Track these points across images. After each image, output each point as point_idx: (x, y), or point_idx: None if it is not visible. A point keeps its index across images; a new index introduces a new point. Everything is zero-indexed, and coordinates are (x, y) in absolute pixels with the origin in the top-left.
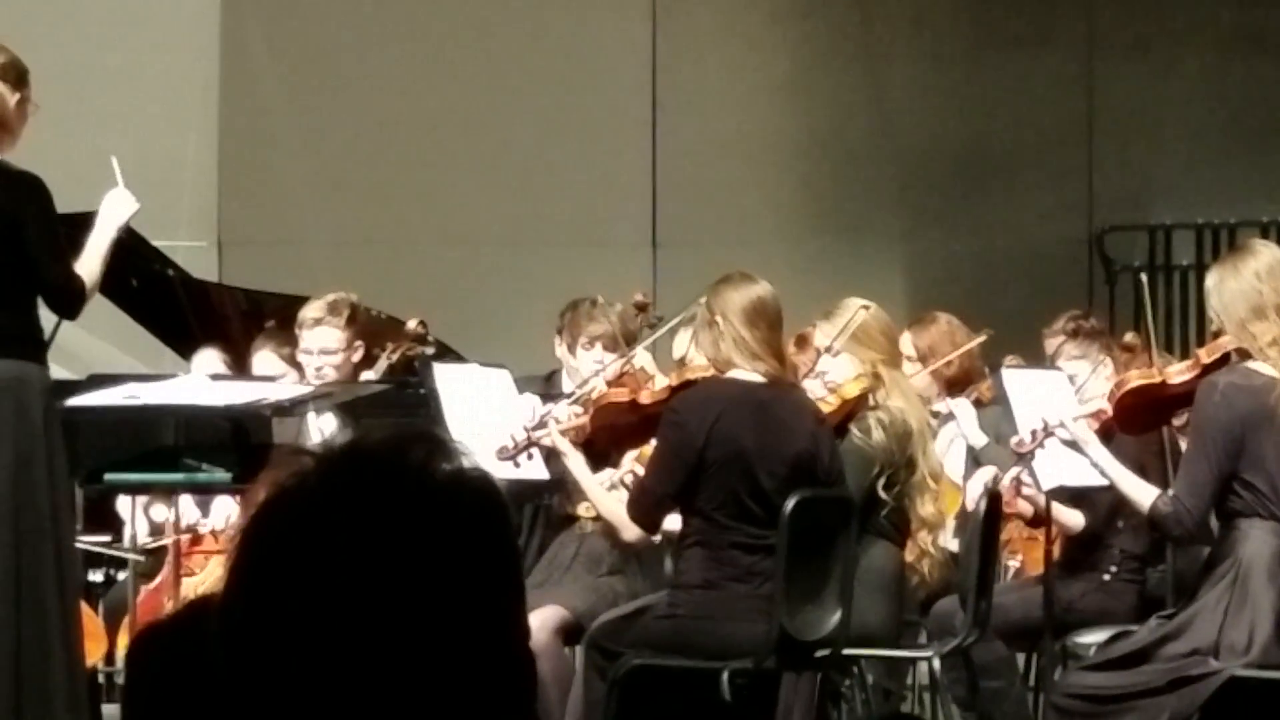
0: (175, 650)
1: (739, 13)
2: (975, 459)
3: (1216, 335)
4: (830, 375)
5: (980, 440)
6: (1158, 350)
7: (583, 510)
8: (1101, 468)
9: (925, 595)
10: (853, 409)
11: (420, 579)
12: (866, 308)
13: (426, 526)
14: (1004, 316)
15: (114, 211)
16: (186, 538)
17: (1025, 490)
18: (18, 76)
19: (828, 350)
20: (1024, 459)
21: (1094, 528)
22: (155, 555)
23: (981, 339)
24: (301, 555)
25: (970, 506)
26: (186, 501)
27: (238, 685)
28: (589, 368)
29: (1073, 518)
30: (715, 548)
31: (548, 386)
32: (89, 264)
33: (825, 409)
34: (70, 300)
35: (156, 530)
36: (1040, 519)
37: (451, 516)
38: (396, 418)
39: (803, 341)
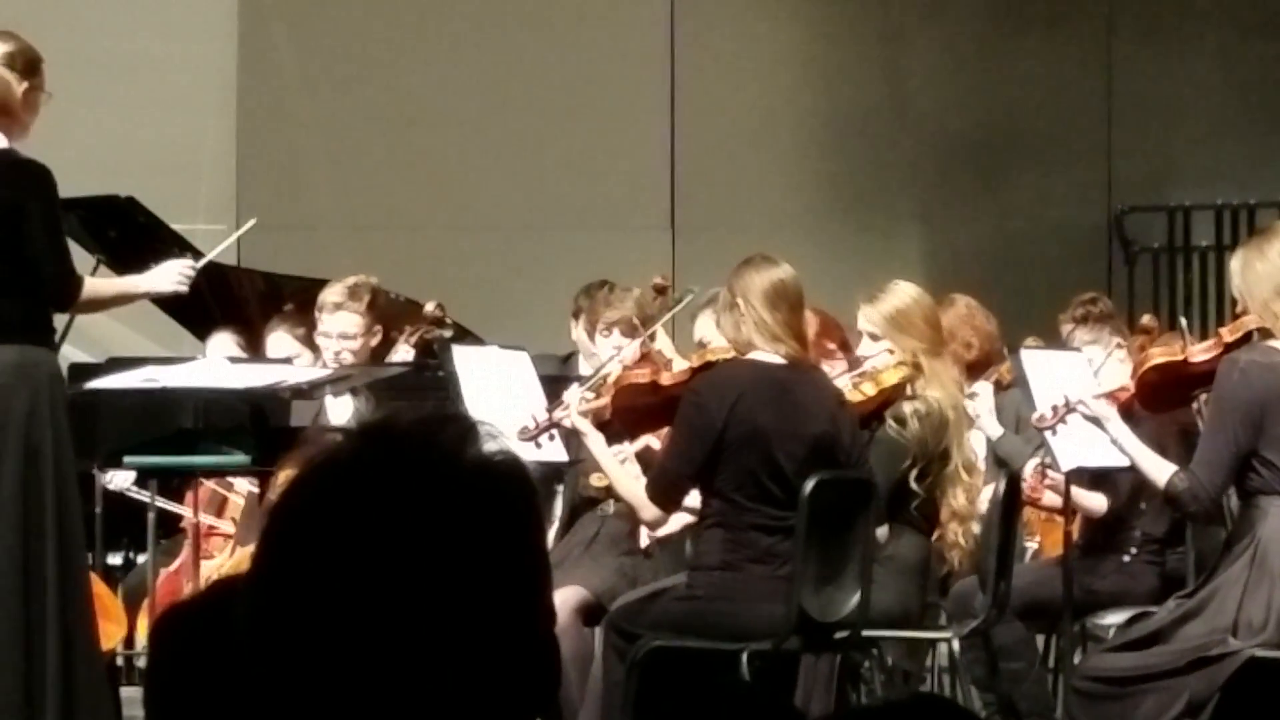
0: (198, 632)
1: None
2: (992, 450)
3: (1239, 315)
4: (871, 361)
5: (996, 431)
6: (1189, 336)
7: (594, 481)
8: (1120, 444)
9: (945, 576)
10: (890, 397)
11: (448, 560)
12: (910, 292)
13: (456, 508)
14: (1024, 298)
15: (158, 277)
16: (206, 521)
17: (1049, 481)
18: (26, 64)
19: (869, 335)
20: (1045, 435)
21: (1116, 509)
22: (174, 538)
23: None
24: (330, 533)
25: (982, 510)
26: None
27: (261, 663)
28: (607, 353)
29: (1095, 501)
30: (734, 529)
31: (565, 369)
32: (102, 286)
33: (862, 397)
34: (62, 296)
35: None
36: (1060, 511)
37: (481, 499)
38: (416, 400)
39: (826, 330)
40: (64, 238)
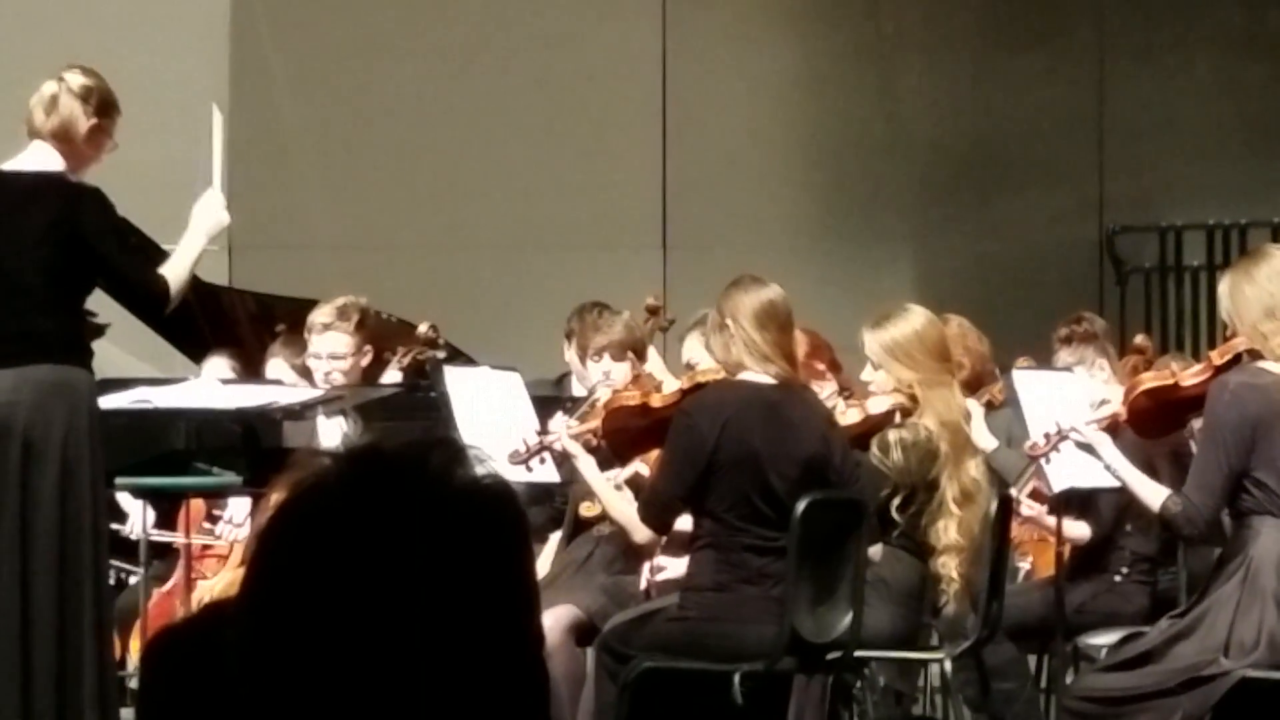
0: (191, 654)
1: (748, 15)
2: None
3: (1230, 338)
4: (874, 385)
5: (991, 443)
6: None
7: (584, 509)
8: (1114, 470)
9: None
10: (876, 424)
11: (436, 584)
12: (917, 320)
13: (444, 532)
14: (1015, 318)
15: (206, 217)
16: (198, 542)
17: (1032, 511)
18: (101, 103)
19: (870, 363)
20: (1037, 462)
21: (1100, 534)
22: (167, 559)
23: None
24: (318, 557)
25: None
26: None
27: (251, 687)
28: (597, 377)
29: (1078, 530)
30: (726, 550)
31: (558, 390)
32: (176, 266)
33: (847, 420)
34: (156, 302)
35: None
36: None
37: (469, 523)
38: (408, 421)
39: (816, 350)
40: (133, 251)
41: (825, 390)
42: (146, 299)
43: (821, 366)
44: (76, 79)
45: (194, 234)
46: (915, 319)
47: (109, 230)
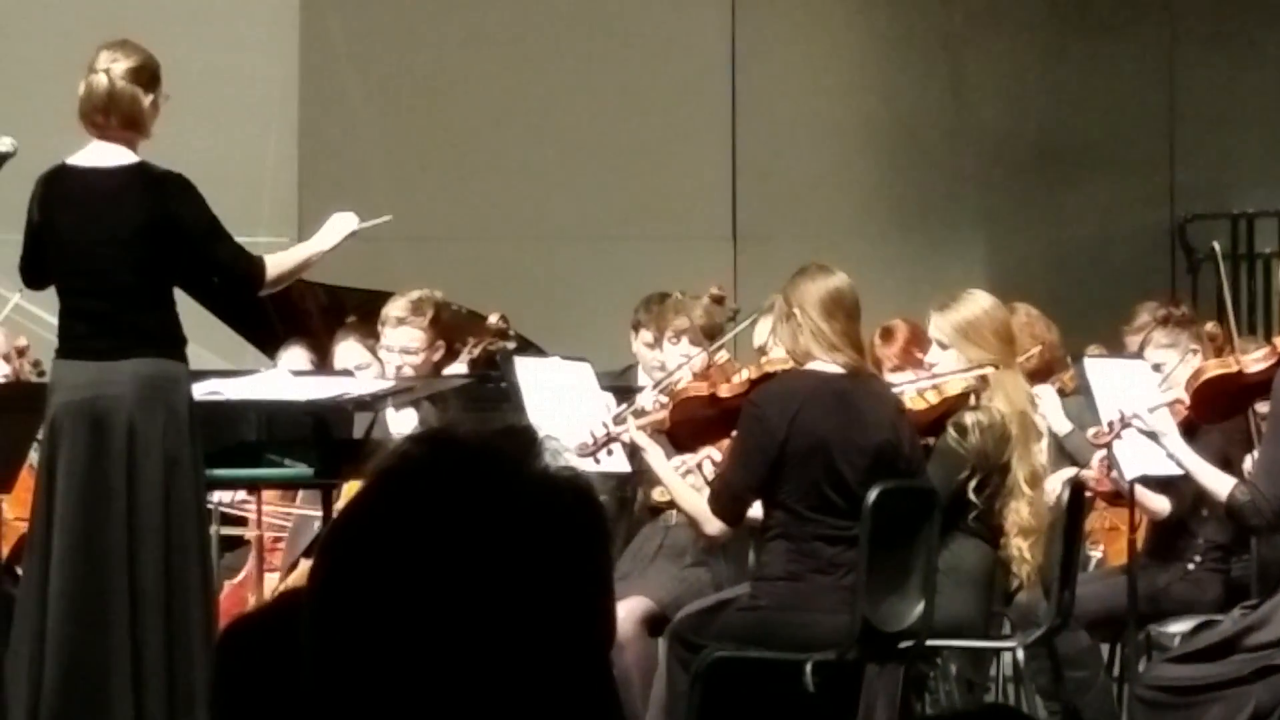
0: (264, 643)
1: (817, 3)
2: (1059, 446)
3: None
4: (940, 368)
5: (1065, 427)
6: (1238, 335)
7: (656, 495)
8: (1178, 459)
9: (1014, 590)
10: (952, 406)
11: (511, 575)
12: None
13: (520, 523)
14: (1085, 306)
15: (335, 227)
16: (269, 534)
17: (1114, 474)
18: (151, 77)
19: (938, 344)
20: (1102, 450)
21: (1179, 514)
22: (238, 551)
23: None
24: (391, 544)
25: (1050, 501)
26: None
27: (323, 674)
28: (674, 360)
29: (1159, 503)
30: (798, 539)
31: (623, 381)
32: (284, 255)
33: (924, 405)
34: (249, 280)
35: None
36: (1123, 497)
37: (545, 514)
38: (479, 412)
39: (888, 334)
40: (225, 231)
41: (922, 378)
42: (243, 281)
43: (921, 355)
44: (119, 64)
45: (320, 237)
46: (982, 299)
47: (200, 216)
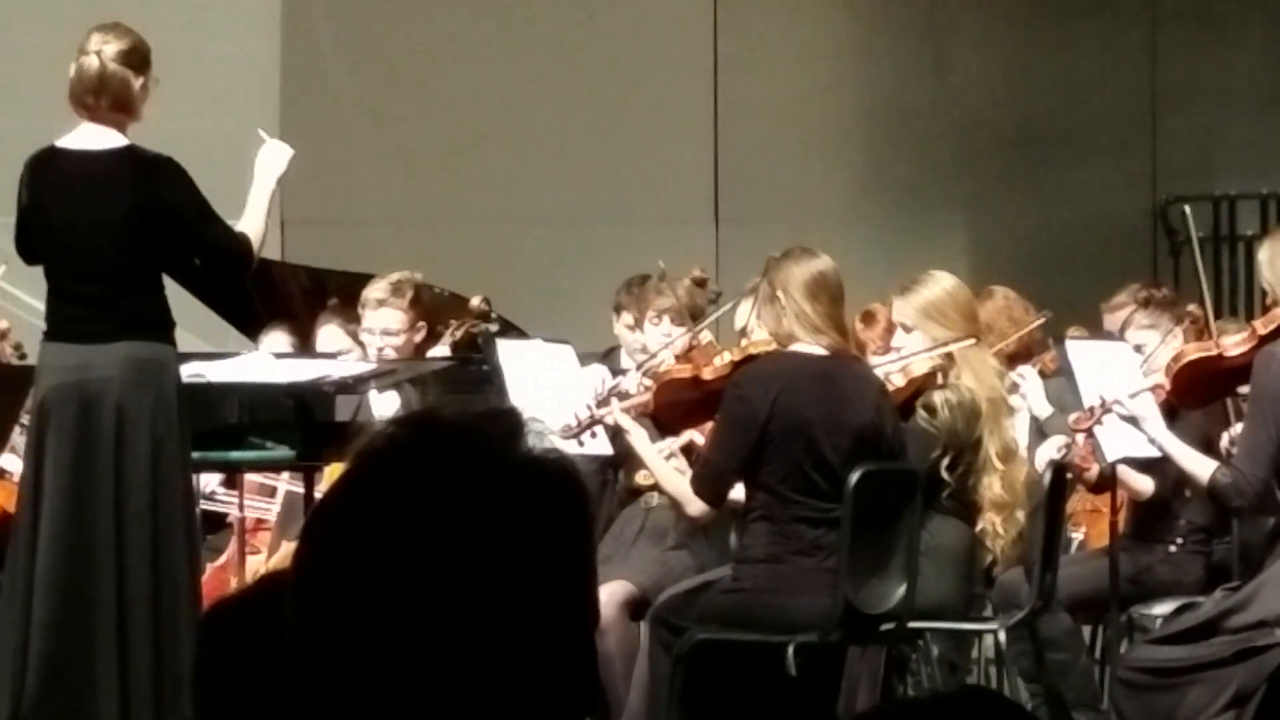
0: (246, 626)
1: None
2: (1040, 429)
3: (1270, 307)
4: (905, 351)
5: (1045, 410)
6: (1214, 318)
7: (640, 478)
8: (1159, 443)
9: (990, 567)
10: (920, 387)
11: (494, 557)
12: (944, 282)
13: (504, 505)
14: (1068, 288)
15: (269, 163)
16: (252, 516)
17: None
18: (142, 60)
19: (902, 327)
20: (1082, 434)
21: (1162, 494)
22: (220, 533)
23: (1040, 321)
24: (375, 526)
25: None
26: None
27: (306, 657)
28: (657, 342)
29: (1142, 483)
30: (780, 521)
31: (606, 363)
32: (250, 220)
33: (891, 389)
34: (239, 261)
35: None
36: (1106, 484)
37: (529, 497)
38: (461, 394)
39: (869, 318)
40: (215, 213)
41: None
42: (235, 261)
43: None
44: (110, 46)
45: (261, 180)
46: (944, 280)
47: (190, 200)
